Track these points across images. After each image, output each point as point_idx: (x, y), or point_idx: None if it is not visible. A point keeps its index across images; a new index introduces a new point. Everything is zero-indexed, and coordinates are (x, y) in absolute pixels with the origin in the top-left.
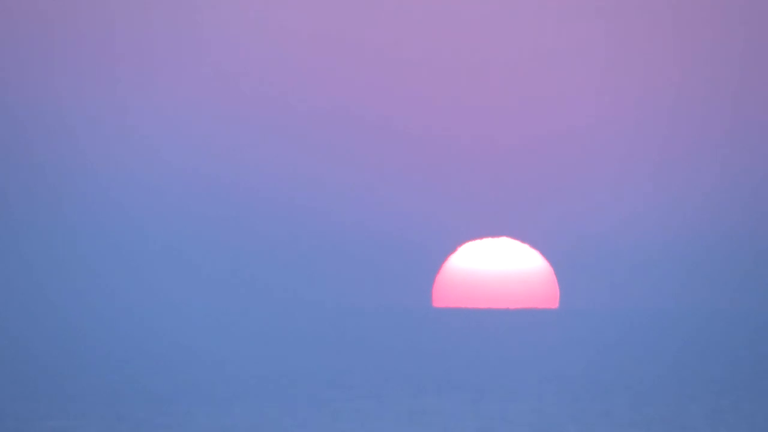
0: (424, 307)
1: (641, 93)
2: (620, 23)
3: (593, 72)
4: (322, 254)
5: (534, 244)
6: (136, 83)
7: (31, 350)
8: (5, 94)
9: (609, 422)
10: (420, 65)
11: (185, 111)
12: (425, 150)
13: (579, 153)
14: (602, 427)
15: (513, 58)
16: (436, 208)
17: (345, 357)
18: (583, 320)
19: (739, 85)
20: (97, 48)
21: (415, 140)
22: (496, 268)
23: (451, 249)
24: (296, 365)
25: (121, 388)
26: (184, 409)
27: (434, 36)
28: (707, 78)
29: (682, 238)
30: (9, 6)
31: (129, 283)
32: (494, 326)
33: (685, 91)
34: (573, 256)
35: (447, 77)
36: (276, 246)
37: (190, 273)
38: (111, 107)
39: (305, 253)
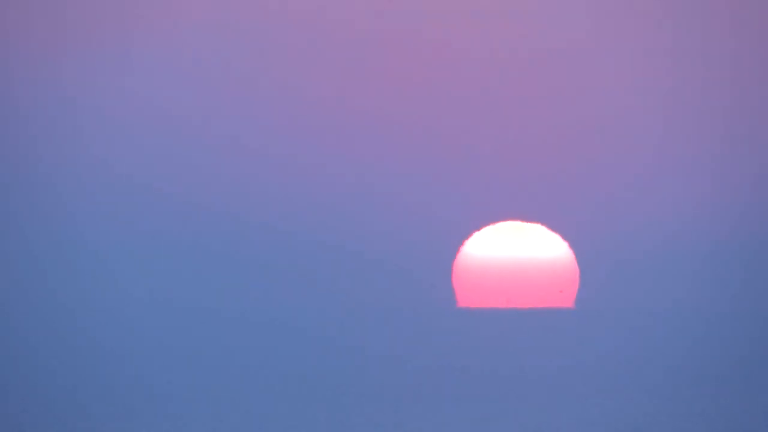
0: (450, 308)
1: (683, 87)
2: (653, 12)
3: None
4: (332, 255)
5: (560, 232)
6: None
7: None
8: None
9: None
10: (441, 49)
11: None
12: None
13: (613, 148)
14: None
15: (543, 46)
16: (453, 193)
17: (379, 369)
18: (604, 321)
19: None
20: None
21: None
22: (519, 260)
23: (471, 233)
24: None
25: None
26: (207, 411)
27: (461, 22)
28: (741, 77)
29: (711, 240)
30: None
31: (125, 284)
32: (516, 329)
33: (727, 86)
34: (599, 249)
35: (471, 65)
36: (277, 248)
37: (207, 274)
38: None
39: (312, 256)
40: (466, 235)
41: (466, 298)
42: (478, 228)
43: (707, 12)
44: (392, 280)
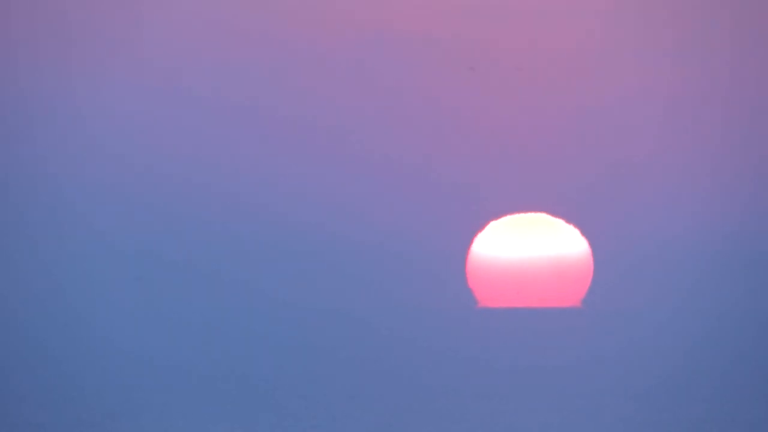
0: (467, 308)
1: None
2: (676, 10)
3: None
4: (341, 252)
5: (575, 223)
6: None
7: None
8: None
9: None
10: (445, 43)
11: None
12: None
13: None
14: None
15: (559, 37)
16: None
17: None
18: (619, 320)
19: None
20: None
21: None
22: (535, 256)
23: (482, 227)
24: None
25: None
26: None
27: (467, 15)
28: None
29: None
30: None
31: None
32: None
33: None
34: (617, 247)
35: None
36: (278, 248)
37: (216, 276)
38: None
39: (318, 256)
40: (478, 229)
41: (482, 297)
42: (488, 222)
43: (728, 6)
44: (402, 281)
